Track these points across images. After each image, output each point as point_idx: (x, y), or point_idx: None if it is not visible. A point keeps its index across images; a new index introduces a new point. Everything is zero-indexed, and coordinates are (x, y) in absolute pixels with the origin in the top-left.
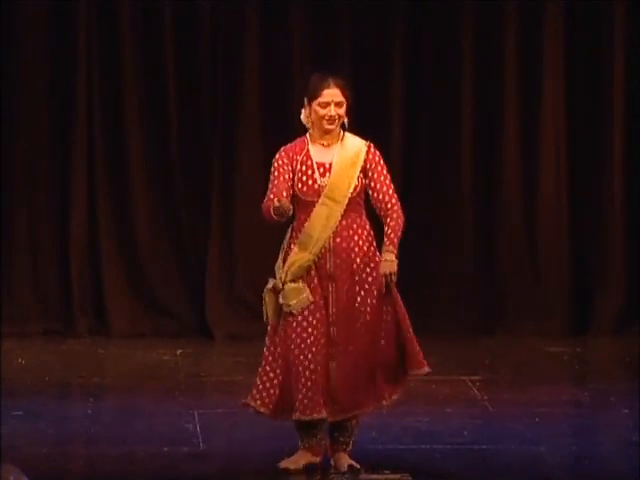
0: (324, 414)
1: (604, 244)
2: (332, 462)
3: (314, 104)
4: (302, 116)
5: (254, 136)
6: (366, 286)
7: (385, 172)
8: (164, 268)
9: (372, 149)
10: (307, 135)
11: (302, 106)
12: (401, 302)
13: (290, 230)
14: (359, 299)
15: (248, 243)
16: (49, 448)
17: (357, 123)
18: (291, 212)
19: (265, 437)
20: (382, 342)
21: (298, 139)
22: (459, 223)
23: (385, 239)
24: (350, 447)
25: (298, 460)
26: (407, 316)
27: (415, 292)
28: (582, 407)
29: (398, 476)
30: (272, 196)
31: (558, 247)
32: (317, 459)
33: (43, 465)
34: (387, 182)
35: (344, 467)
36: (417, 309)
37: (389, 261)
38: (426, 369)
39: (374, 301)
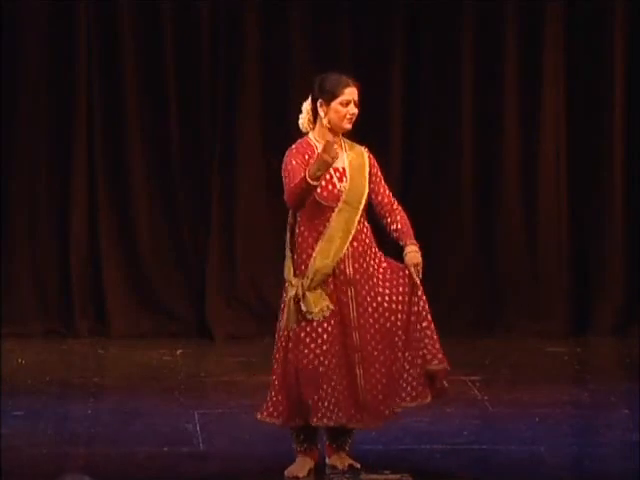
0: (344, 421)
1: (604, 244)
2: (329, 462)
3: (334, 104)
4: (301, 122)
5: (254, 136)
6: (387, 284)
7: (382, 176)
8: (164, 268)
9: (370, 154)
10: (311, 138)
11: (315, 108)
12: (424, 297)
13: (294, 235)
14: (383, 299)
15: (248, 243)
16: (49, 448)
17: (357, 123)
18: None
19: (265, 437)
20: (412, 340)
21: (302, 140)
22: (459, 223)
23: (400, 235)
24: (348, 447)
25: (303, 466)
26: (429, 312)
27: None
28: (582, 407)
29: (398, 476)
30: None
31: (558, 247)
32: (313, 463)
33: (43, 465)
34: (386, 185)
35: (344, 466)
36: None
37: (414, 252)
38: (443, 366)
39: (395, 304)
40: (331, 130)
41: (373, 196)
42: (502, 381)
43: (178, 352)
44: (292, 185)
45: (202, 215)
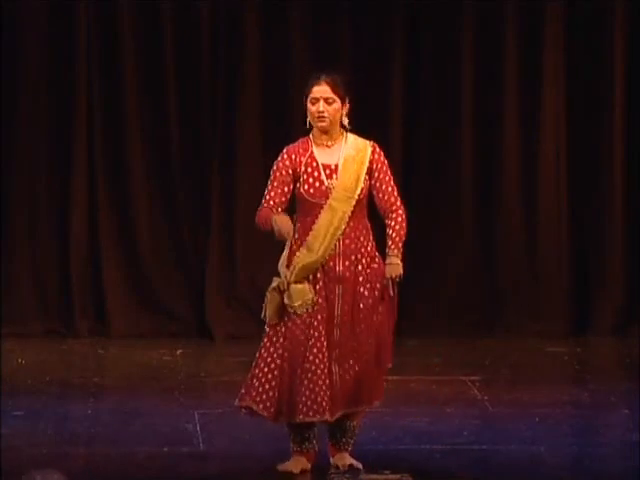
0: (327, 416)
1: (604, 244)
2: (332, 462)
3: (307, 102)
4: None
5: (254, 136)
6: (368, 285)
7: (389, 173)
8: (164, 268)
9: (377, 149)
10: (310, 136)
11: (303, 107)
12: (396, 308)
13: (294, 231)
14: (363, 300)
15: (248, 243)
16: (49, 448)
17: (357, 123)
18: (290, 235)
19: (265, 437)
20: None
21: (301, 139)
22: (459, 223)
23: (389, 242)
24: (351, 447)
25: (296, 465)
26: (394, 321)
27: (415, 292)
28: (582, 407)
29: (398, 476)
30: (266, 205)
31: (558, 247)
32: (309, 465)
33: (43, 465)
34: (391, 183)
35: (345, 466)
36: (417, 309)
37: (395, 264)
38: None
39: (376, 303)
40: (315, 128)
41: (375, 193)
42: (502, 381)
43: (178, 352)
44: (260, 212)
45: (202, 215)
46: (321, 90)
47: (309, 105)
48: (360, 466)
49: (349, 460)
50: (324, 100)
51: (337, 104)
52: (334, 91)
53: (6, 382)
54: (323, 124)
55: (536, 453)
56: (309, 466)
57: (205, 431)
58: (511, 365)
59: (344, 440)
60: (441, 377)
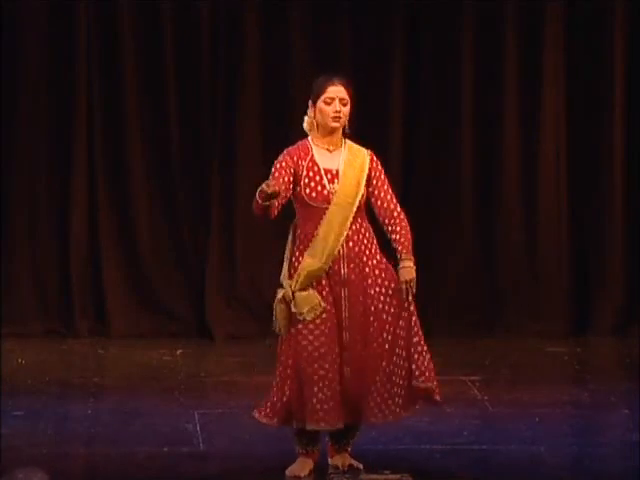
0: (340, 425)
1: (604, 244)
2: (331, 462)
3: (319, 102)
4: (304, 123)
5: (254, 136)
6: (377, 288)
7: (387, 181)
8: (164, 268)
9: (374, 158)
10: (309, 140)
11: (303, 107)
12: (416, 313)
13: (293, 238)
14: (372, 302)
15: (248, 243)
16: (49, 448)
17: (357, 123)
18: (277, 194)
19: (265, 437)
20: (398, 351)
21: (300, 142)
22: (459, 223)
23: (398, 246)
24: (350, 447)
25: (304, 467)
26: (420, 328)
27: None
28: (582, 407)
29: (398, 476)
30: None
31: (558, 247)
32: (313, 464)
33: (43, 465)
34: (390, 191)
35: (345, 466)
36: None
37: (408, 267)
38: (430, 384)
39: (387, 305)
40: (322, 130)
41: (373, 200)
42: (502, 381)
43: (178, 352)
44: (256, 196)
45: (202, 215)
46: (337, 90)
47: (322, 105)
48: (360, 466)
49: (349, 460)
50: (339, 100)
51: (349, 106)
52: (348, 93)
53: (6, 382)
54: (337, 124)
55: (536, 453)
56: (312, 465)
57: (205, 431)
58: (511, 365)
59: (344, 441)
60: (441, 377)
